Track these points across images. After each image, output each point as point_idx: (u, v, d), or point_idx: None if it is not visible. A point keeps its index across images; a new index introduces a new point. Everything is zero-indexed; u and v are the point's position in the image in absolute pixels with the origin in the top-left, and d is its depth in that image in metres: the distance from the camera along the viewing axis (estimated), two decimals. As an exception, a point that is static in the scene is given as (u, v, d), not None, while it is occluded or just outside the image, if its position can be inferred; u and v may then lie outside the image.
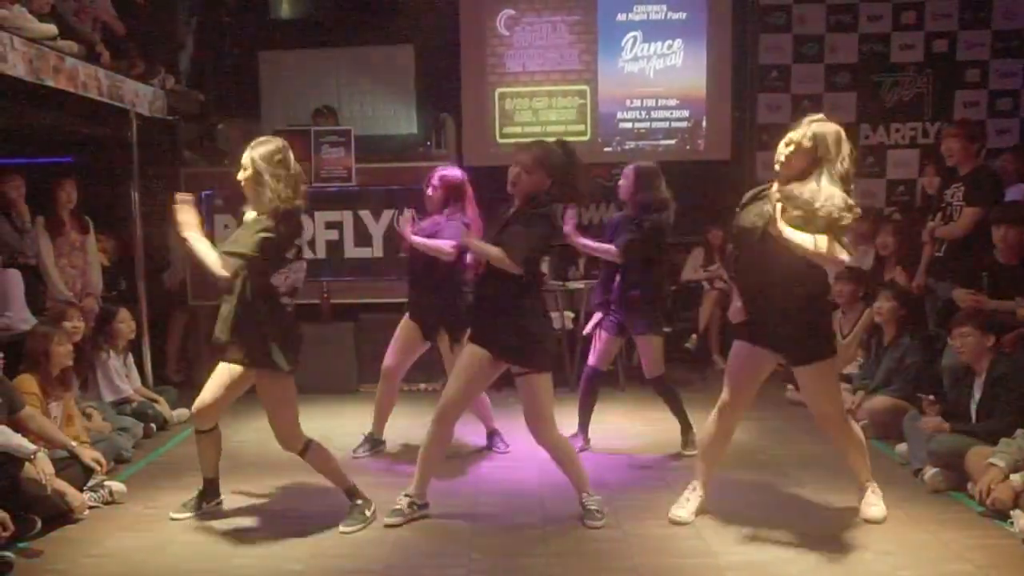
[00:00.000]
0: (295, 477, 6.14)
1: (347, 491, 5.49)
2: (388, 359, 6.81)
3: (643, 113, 11.60)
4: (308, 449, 5.39)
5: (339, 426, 7.28)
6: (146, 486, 6.26)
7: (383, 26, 11.46)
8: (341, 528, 5.36)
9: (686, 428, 6.85)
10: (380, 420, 6.99)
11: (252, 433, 7.24)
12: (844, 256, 4.84)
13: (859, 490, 5.46)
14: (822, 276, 5.16)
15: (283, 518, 5.58)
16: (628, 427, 7.45)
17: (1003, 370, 5.94)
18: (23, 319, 7.27)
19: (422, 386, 8.27)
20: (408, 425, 7.30)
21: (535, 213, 5.25)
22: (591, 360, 6.86)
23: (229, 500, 5.72)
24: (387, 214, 9.06)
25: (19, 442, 5.28)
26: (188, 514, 5.59)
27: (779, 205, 4.85)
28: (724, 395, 5.36)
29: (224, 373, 5.32)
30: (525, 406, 5.37)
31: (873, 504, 5.39)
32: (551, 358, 5.42)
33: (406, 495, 5.51)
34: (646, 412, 7.25)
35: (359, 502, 5.48)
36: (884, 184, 11.40)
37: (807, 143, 4.85)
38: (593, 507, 5.45)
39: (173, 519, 5.56)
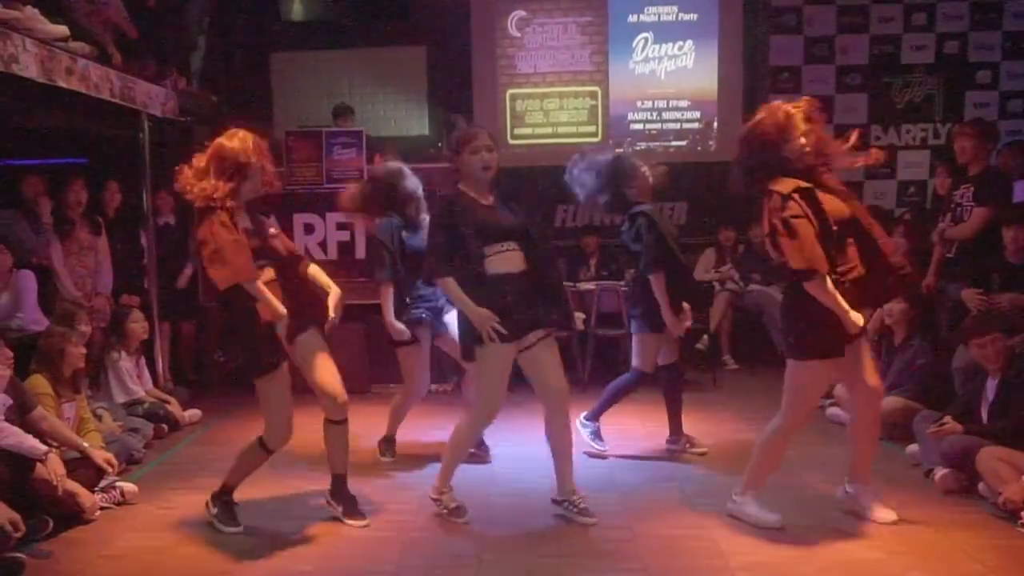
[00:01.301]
0: (307, 478, 6.15)
1: (341, 477, 5.54)
2: (424, 374, 6.80)
3: (654, 114, 11.63)
4: (344, 422, 5.43)
5: (350, 426, 7.28)
6: (158, 487, 6.28)
7: (395, 28, 11.52)
8: (348, 522, 5.46)
9: (676, 427, 6.96)
10: (396, 422, 6.98)
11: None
12: None
13: (866, 491, 5.44)
14: None
15: (294, 519, 5.58)
16: (639, 428, 7.44)
17: (1017, 371, 5.92)
18: (35, 320, 7.29)
19: (433, 387, 8.25)
20: (421, 426, 7.32)
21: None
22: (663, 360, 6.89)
23: (241, 500, 5.71)
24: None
25: (31, 443, 5.30)
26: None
27: None
28: (788, 420, 5.27)
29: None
30: (556, 370, 5.41)
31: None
32: None
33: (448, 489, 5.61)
34: (658, 413, 7.24)
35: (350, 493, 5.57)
36: (895, 185, 11.41)
37: None
38: (585, 504, 5.49)
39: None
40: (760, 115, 5.01)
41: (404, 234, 6.47)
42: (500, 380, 5.32)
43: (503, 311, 5.14)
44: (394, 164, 6.59)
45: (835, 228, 4.85)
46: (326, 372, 5.32)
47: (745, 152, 5.05)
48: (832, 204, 4.89)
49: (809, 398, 5.20)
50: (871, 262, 5.01)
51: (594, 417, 6.88)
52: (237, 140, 5.11)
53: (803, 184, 4.83)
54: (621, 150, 6.75)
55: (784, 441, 5.35)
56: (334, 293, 5.40)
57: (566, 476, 5.54)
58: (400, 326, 6.42)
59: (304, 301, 5.25)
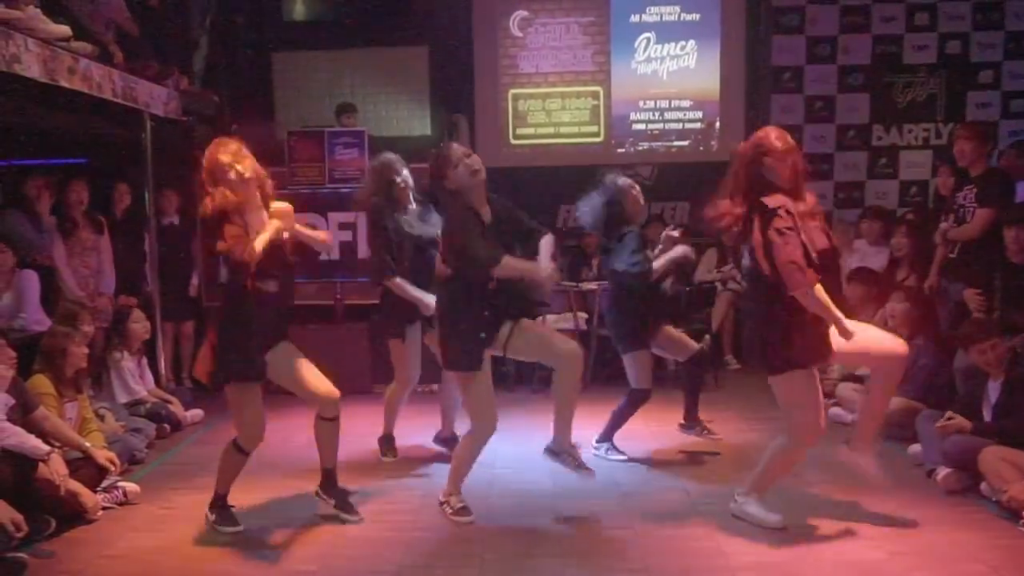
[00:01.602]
0: (306, 478, 6.14)
1: (332, 471, 5.58)
2: (415, 369, 6.82)
3: (656, 114, 11.61)
4: (336, 419, 5.48)
5: (352, 427, 7.26)
6: (160, 487, 6.29)
7: (397, 28, 11.48)
8: (342, 516, 5.52)
9: (692, 414, 7.17)
10: (392, 416, 6.98)
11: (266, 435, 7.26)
12: None
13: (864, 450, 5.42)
14: None
15: (295, 519, 5.59)
16: (643, 429, 7.44)
17: (1021, 372, 5.91)
18: (37, 320, 7.29)
19: (435, 387, 8.24)
20: (421, 426, 7.31)
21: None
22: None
23: (242, 502, 5.71)
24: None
25: (33, 443, 5.31)
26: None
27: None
28: (798, 437, 5.20)
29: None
30: (552, 338, 5.63)
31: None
32: None
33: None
34: (659, 413, 7.25)
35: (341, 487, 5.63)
36: (897, 185, 11.37)
37: None
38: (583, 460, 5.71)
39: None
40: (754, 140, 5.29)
41: (408, 224, 6.47)
42: (490, 387, 5.44)
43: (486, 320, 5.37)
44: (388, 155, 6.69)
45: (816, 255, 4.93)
46: (311, 376, 5.43)
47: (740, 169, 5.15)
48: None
49: (807, 410, 5.13)
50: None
51: (605, 439, 6.87)
52: (217, 146, 5.14)
53: (789, 205, 4.96)
54: (615, 175, 6.79)
55: (797, 455, 5.33)
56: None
57: (565, 431, 5.62)
58: (430, 299, 6.22)
59: (270, 320, 5.26)
